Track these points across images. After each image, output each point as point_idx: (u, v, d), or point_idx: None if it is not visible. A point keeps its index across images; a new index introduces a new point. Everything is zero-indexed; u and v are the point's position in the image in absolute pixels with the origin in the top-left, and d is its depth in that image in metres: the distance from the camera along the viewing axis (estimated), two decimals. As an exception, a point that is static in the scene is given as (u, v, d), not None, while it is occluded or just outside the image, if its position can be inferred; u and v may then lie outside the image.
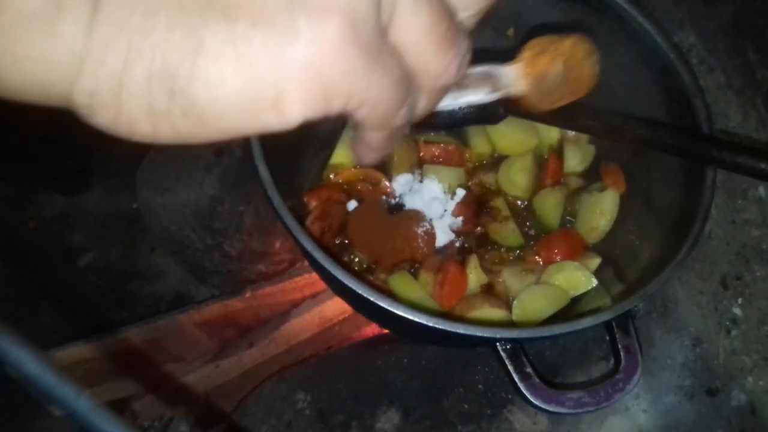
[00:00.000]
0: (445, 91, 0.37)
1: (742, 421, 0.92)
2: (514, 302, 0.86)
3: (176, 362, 1.14)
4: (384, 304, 0.64)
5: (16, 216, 1.26)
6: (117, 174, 1.27)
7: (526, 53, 0.49)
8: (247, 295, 1.10)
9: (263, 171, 0.70)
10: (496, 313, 0.84)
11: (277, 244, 1.10)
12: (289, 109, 0.30)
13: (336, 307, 1.08)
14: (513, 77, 0.48)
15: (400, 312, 0.64)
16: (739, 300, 0.98)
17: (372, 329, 1.08)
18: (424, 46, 0.33)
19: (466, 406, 0.81)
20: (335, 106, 0.31)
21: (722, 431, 0.91)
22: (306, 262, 1.15)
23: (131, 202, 1.24)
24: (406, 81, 0.33)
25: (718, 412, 0.92)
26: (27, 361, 0.28)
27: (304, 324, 1.08)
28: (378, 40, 0.31)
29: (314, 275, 1.10)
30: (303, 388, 0.85)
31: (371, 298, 0.64)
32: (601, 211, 0.91)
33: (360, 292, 0.65)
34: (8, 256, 1.21)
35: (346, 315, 1.09)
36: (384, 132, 0.36)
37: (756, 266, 1.00)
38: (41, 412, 1.06)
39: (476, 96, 0.47)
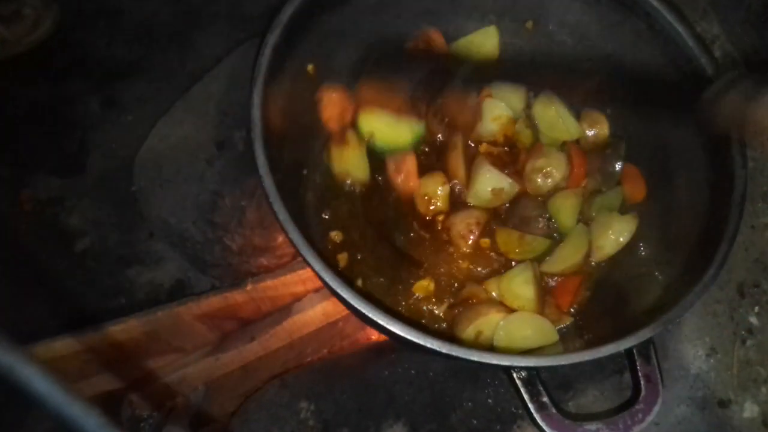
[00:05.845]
0: None
1: (754, 433, 0.90)
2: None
3: (176, 354, 1.12)
4: (396, 329, 0.61)
5: (10, 198, 1.22)
6: (113, 155, 1.23)
7: None
8: (248, 287, 1.07)
9: (261, 158, 0.68)
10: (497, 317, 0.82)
11: (280, 239, 1.07)
12: None
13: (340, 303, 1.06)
14: None
15: (413, 338, 0.61)
16: (756, 308, 0.95)
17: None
18: None
19: (475, 422, 0.78)
20: None
21: (733, 443, 0.89)
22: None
23: (129, 184, 1.20)
24: None
25: (730, 423, 0.90)
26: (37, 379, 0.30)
27: (307, 319, 1.06)
28: None
29: (317, 269, 1.07)
30: (306, 397, 0.82)
31: (382, 322, 0.62)
32: (613, 232, 0.88)
33: (366, 312, 0.62)
34: (1, 240, 1.17)
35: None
36: None
37: (774, 273, 0.97)
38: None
39: None
